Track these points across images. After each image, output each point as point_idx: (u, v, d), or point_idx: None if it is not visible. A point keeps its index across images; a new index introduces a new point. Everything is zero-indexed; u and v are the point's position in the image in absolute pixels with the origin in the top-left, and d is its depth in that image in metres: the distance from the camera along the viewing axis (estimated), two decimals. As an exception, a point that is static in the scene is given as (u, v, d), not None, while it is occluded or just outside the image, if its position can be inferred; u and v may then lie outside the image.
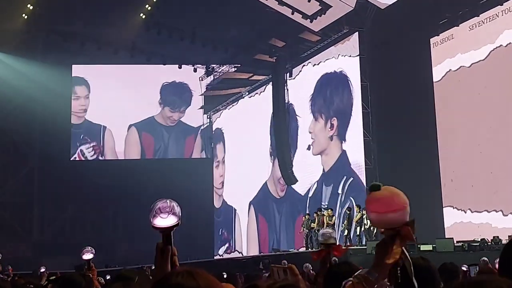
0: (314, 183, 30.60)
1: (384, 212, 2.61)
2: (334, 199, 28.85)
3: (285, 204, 33.47)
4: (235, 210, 37.32)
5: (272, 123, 33.15)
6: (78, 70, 38.12)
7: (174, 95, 39.70)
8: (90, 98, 38.78)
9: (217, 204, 39.36)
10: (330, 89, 30.23)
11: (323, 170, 30.21)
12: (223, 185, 38.90)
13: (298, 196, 31.92)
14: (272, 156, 34.20)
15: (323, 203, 29.01)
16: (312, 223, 26.73)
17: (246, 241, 36.41)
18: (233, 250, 37.04)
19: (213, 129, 40.30)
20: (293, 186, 32.01)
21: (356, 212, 25.38)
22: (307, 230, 27.10)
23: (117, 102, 37.62)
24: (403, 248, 2.65)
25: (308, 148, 30.76)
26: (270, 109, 33.26)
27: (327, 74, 30.43)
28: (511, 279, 2.58)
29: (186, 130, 40.23)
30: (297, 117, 32.42)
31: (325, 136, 29.97)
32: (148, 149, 39.57)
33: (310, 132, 30.91)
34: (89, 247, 7.23)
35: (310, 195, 30.75)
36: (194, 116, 40.19)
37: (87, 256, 7.06)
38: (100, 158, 39.03)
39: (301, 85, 32.21)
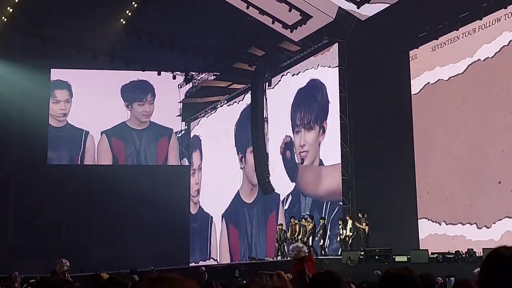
0: (288, 194, 30.64)
1: None
2: (313, 209, 28.86)
3: (256, 207, 33.58)
4: (211, 217, 37.33)
5: (251, 131, 33.18)
6: (57, 74, 37.92)
7: (134, 91, 39.44)
8: (72, 102, 38.57)
9: (193, 210, 39.31)
10: (311, 99, 30.20)
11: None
12: (198, 193, 38.92)
13: (269, 197, 32.08)
14: (242, 162, 34.39)
15: (302, 213, 28.97)
16: (285, 233, 26.80)
17: (219, 250, 36.47)
18: (208, 258, 37.00)
19: (191, 136, 40.26)
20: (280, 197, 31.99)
21: (309, 222, 25.73)
22: (277, 244, 27.24)
23: (96, 107, 37.53)
24: None
25: (302, 162, 30.45)
26: (248, 118, 33.35)
27: (308, 84, 30.43)
28: None
29: (158, 131, 39.99)
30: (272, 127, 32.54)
31: (317, 145, 29.75)
32: (120, 155, 39.34)
33: (302, 145, 30.58)
34: (63, 260, 7.23)
35: (286, 207, 30.73)
36: (165, 117, 39.88)
37: (62, 269, 7.06)
38: (78, 163, 38.81)
39: (280, 94, 32.26)
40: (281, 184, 31.08)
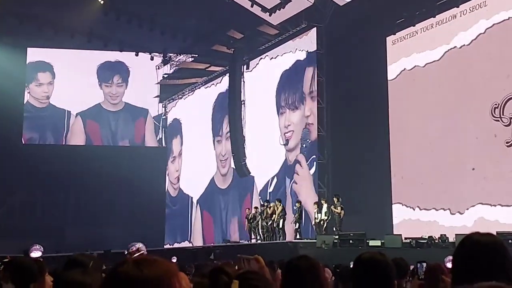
0: (274, 176, 30.58)
1: None
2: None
3: (231, 191, 33.64)
4: (191, 198, 37.20)
5: (228, 114, 33.15)
6: (34, 53, 37.61)
7: (106, 71, 39.09)
8: (55, 83, 38.35)
9: (173, 193, 39.19)
10: (296, 79, 29.97)
11: (286, 162, 30.16)
12: (178, 180, 38.72)
13: (244, 180, 32.16)
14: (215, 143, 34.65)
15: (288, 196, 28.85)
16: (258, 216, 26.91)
17: (193, 235, 36.52)
18: (189, 240, 36.85)
19: (169, 119, 40.09)
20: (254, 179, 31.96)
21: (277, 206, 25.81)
22: (249, 225, 27.34)
23: (76, 87, 37.31)
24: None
25: (286, 143, 30.14)
26: (226, 100, 33.35)
27: (293, 65, 30.26)
28: (465, 278, 2.73)
29: (134, 112, 39.80)
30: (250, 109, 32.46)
31: (303, 125, 29.40)
32: (95, 137, 39.15)
33: (287, 125, 30.23)
34: (37, 245, 7.19)
35: (270, 190, 30.67)
36: (142, 98, 39.56)
37: (35, 254, 7.03)
38: (63, 143, 38.60)
39: (258, 77, 32.25)
40: (264, 167, 31.01)
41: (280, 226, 25.40)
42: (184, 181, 38.23)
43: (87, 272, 3.96)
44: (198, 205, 36.36)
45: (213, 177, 35.13)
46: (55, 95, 38.30)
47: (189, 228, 37.24)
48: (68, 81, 37.49)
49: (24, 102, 38.03)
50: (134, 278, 2.04)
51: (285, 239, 24.93)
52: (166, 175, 39.84)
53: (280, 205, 25.95)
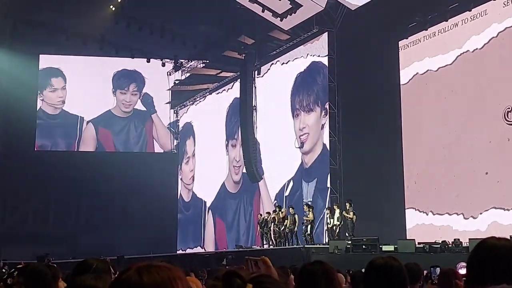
0: (290, 180, 30.46)
1: None
2: (316, 195, 28.54)
3: (242, 196, 33.64)
4: (204, 202, 37.16)
5: (240, 120, 33.11)
6: (46, 60, 37.77)
7: (122, 78, 39.24)
8: (67, 88, 38.54)
9: (186, 197, 39.16)
10: (311, 81, 29.86)
11: (303, 165, 29.95)
12: (193, 180, 38.70)
13: (256, 184, 32.15)
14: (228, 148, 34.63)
15: (305, 200, 28.57)
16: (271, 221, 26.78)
17: (206, 241, 36.50)
18: (202, 245, 36.81)
19: (181, 124, 40.12)
20: (267, 184, 31.87)
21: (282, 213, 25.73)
22: (261, 230, 27.27)
23: (88, 94, 37.46)
24: None
25: (301, 146, 29.92)
26: (237, 106, 33.36)
27: (308, 67, 30.09)
28: (479, 282, 2.69)
29: (144, 118, 39.92)
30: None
31: (319, 127, 29.21)
32: (107, 144, 39.26)
33: (302, 128, 30.02)
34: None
35: (286, 194, 30.42)
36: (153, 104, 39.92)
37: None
38: (75, 149, 38.75)
39: (270, 83, 32.22)
40: (279, 170, 30.99)
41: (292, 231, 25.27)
42: (197, 184, 38.16)
43: (99, 277, 3.95)
44: (210, 211, 36.31)
45: (224, 182, 35.07)
46: (67, 101, 38.44)
47: (202, 234, 37.19)
48: (80, 87, 37.66)
49: (38, 109, 38.15)
50: (135, 285, 2.06)
51: (297, 245, 24.82)
52: (178, 181, 39.84)
53: (293, 211, 25.83)
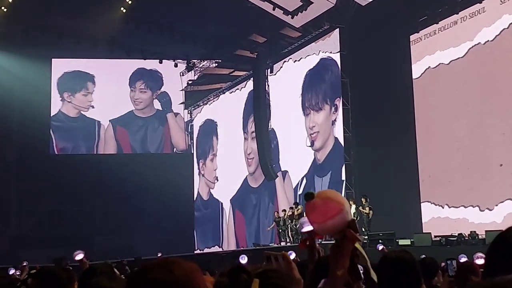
0: (303, 177, 30.50)
1: (322, 221, 2.52)
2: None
3: (262, 191, 33.68)
4: (221, 203, 37.21)
5: (253, 117, 33.11)
6: (68, 64, 37.97)
7: (141, 77, 39.56)
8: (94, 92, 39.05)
9: (205, 196, 39.19)
10: (319, 79, 29.94)
11: (316, 162, 29.95)
12: (217, 179, 38.46)
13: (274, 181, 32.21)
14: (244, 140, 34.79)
15: None
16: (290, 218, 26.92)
17: (226, 236, 36.49)
18: (221, 244, 36.86)
19: (199, 123, 40.09)
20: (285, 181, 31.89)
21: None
22: (278, 228, 27.40)
23: (109, 96, 37.73)
24: (357, 246, 2.68)
25: (312, 144, 29.98)
26: (250, 101, 33.43)
27: (317, 64, 30.15)
28: (498, 274, 2.72)
29: (162, 117, 40.15)
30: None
31: (329, 124, 29.22)
32: (124, 143, 39.44)
33: (312, 127, 30.09)
34: (79, 250, 7.64)
35: (300, 191, 30.26)
36: (170, 103, 40.14)
37: (79, 256, 7.45)
38: (94, 152, 38.99)
39: (282, 80, 32.23)
40: (294, 168, 31.01)
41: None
42: (218, 184, 38.17)
43: (114, 278, 4.00)
44: (230, 204, 36.29)
45: (246, 177, 35.07)
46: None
47: (221, 232, 37.23)
48: (102, 90, 38.05)
49: (56, 112, 38.36)
50: (168, 282, 2.03)
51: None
52: (194, 181, 39.84)
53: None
